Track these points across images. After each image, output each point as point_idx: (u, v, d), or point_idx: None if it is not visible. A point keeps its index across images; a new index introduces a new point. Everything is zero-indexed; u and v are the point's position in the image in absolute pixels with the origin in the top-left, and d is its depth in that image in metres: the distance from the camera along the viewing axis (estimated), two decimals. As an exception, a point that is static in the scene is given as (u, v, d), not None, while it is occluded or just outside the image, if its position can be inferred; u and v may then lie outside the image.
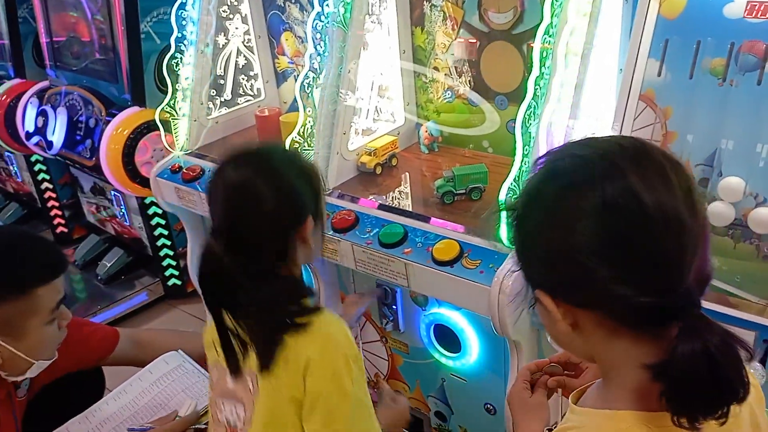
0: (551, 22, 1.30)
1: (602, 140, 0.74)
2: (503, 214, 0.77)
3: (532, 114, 1.33)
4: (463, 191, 1.65)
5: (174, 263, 3.02)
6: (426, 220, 1.57)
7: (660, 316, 0.65)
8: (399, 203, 1.71)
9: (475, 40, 1.82)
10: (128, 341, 1.67)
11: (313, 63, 1.69)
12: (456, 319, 1.60)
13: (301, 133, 1.72)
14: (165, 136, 2.15)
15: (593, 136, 0.79)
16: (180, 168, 2.09)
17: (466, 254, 1.45)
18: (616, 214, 0.65)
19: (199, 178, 2.02)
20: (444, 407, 1.81)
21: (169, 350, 1.68)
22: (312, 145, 1.74)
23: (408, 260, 1.50)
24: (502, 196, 1.34)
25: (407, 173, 1.88)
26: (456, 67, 1.89)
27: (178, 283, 3.05)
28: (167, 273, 3.03)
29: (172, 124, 2.13)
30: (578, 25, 1.29)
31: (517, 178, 1.34)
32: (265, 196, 1.10)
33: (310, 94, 1.71)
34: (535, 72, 1.31)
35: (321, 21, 1.68)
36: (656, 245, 0.64)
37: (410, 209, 1.66)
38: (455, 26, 1.84)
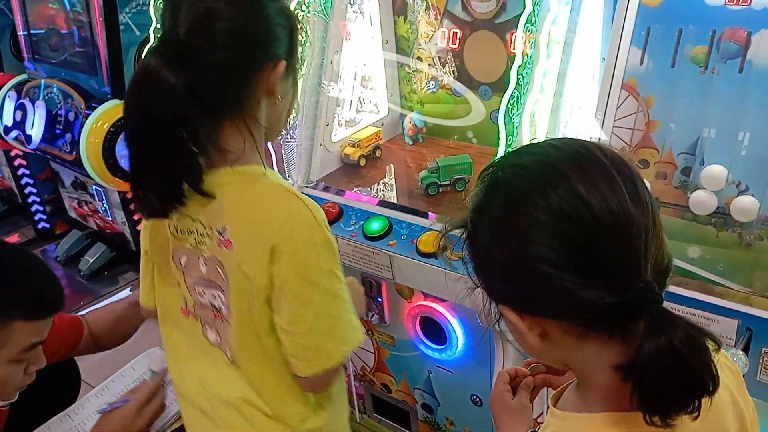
0: (533, 11, 1.29)
1: (541, 146, 0.73)
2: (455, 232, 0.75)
3: (515, 104, 1.32)
4: (448, 182, 1.64)
5: (158, 258, 2.99)
6: (411, 211, 1.56)
7: (624, 315, 0.64)
8: (384, 195, 1.70)
9: (458, 30, 1.80)
10: (87, 325, 1.61)
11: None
12: (441, 310, 1.59)
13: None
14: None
15: (532, 143, 0.78)
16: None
17: (450, 246, 1.44)
18: (565, 221, 0.64)
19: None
20: (431, 399, 1.81)
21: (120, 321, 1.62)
22: (295, 136, 1.72)
23: (393, 252, 1.49)
24: None
25: (391, 165, 1.87)
26: (439, 57, 1.87)
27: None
28: (151, 268, 3.00)
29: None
30: (560, 14, 1.28)
31: (500, 169, 1.34)
32: (228, 11, 0.93)
33: (291, 86, 1.68)
34: (518, 61, 1.30)
35: (302, 10, 1.66)
36: (610, 246, 0.64)
37: (395, 201, 1.65)
38: (438, 16, 1.83)
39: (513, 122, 1.33)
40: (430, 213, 1.55)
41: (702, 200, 1.15)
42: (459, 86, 1.87)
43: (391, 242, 1.51)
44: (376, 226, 1.54)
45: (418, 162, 1.86)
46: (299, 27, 1.04)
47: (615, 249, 0.64)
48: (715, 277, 1.14)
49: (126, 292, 3.00)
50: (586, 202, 0.64)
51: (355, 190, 1.72)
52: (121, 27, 2.54)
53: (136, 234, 2.90)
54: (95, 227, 3.17)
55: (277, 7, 1.00)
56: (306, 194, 1.10)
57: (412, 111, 1.99)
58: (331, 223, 1.60)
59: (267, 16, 0.98)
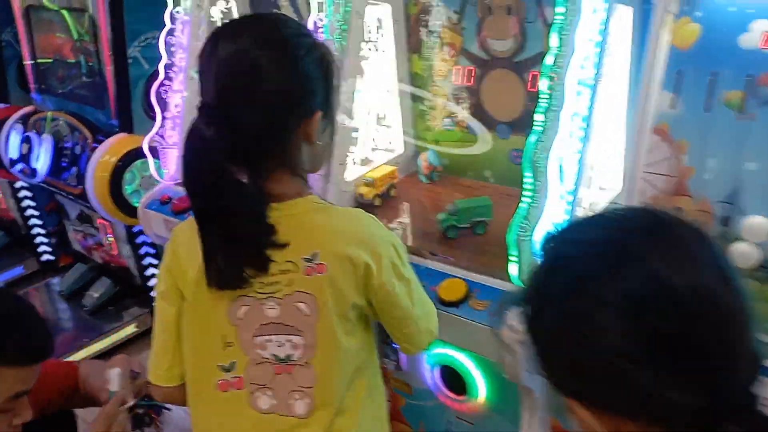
0: (559, 51, 1.24)
1: (608, 217, 0.66)
2: (515, 298, 0.68)
3: (539, 147, 1.26)
4: (467, 225, 1.59)
5: (163, 293, 2.93)
6: (430, 256, 1.50)
7: (714, 419, 0.56)
8: (402, 238, 1.64)
9: (474, 68, 1.76)
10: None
11: (309, 92, 1.63)
12: (462, 359, 1.52)
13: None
14: (153, 165, 2.07)
15: (597, 213, 0.70)
16: (169, 199, 2.01)
17: (473, 294, 1.38)
18: (642, 307, 0.56)
19: (189, 210, 1.94)
20: (449, 451, 1.74)
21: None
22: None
23: (411, 300, 1.43)
24: (510, 237, 1.28)
25: (407, 204, 1.82)
26: (455, 95, 1.83)
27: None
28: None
29: (161, 153, 2.05)
30: (586, 54, 1.23)
31: (526, 216, 1.28)
32: (266, 71, 0.93)
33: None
34: (542, 103, 1.26)
35: (317, 49, 1.62)
36: (697, 336, 0.56)
37: (411, 243, 1.59)
38: (454, 53, 1.79)
39: (538, 166, 1.27)
40: (449, 257, 1.50)
41: (743, 252, 1.10)
42: (475, 124, 1.82)
43: (409, 289, 1.45)
44: (393, 271, 1.48)
45: (434, 201, 1.81)
46: (334, 70, 1.02)
47: (703, 340, 0.56)
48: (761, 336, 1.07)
49: (131, 328, 2.94)
50: (667, 284, 0.56)
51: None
52: (130, 60, 2.51)
53: (141, 268, 2.84)
54: (100, 261, 3.11)
55: (314, 58, 0.99)
56: None
57: (427, 149, 1.94)
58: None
59: (305, 72, 0.97)
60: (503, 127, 1.77)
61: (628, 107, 1.47)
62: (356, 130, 1.77)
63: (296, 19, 2.09)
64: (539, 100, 1.25)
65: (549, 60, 1.24)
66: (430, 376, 1.66)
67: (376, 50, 1.77)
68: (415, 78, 1.89)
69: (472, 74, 1.77)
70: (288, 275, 1.00)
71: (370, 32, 1.73)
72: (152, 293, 2.91)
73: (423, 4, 1.78)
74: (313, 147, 1.02)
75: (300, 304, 1.02)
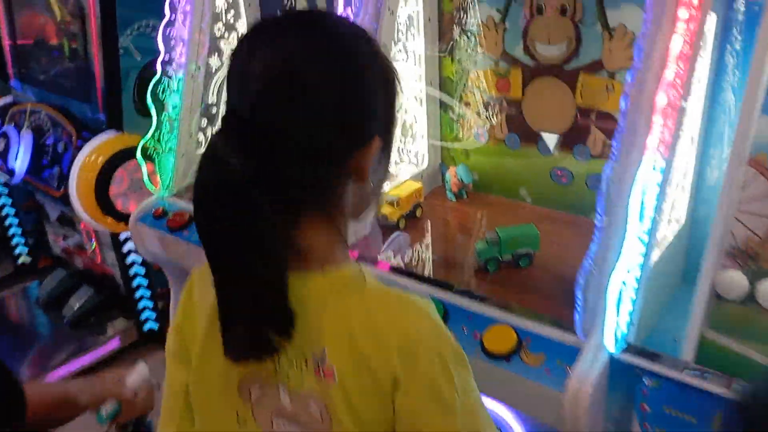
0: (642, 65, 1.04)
1: None
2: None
3: (615, 178, 1.06)
4: (510, 258, 1.39)
5: (151, 304, 2.71)
6: (472, 296, 1.30)
7: None
8: (431, 270, 1.44)
9: (517, 74, 1.56)
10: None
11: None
12: (503, 414, 1.33)
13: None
14: (148, 172, 1.84)
15: None
16: (165, 212, 1.79)
17: (524, 345, 1.18)
18: None
19: (187, 226, 1.72)
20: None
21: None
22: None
23: (450, 348, 1.23)
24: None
25: (435, 228, 1.62)
26: (492, 104, 1.63)
27: (155, 327, 2.74)
28: (143, 316, 2.71)
29: (157, 159, 1.83)
30: (676, 70, 1.03)
31: (595, 258, 1.08)
32: (317, 85, 0.69)
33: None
34: (622, 127, 1.05)
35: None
36: None
37: (446, 279, 1.39)
38: (495, 56, 1.58)
39: (613, 200, 1.07)
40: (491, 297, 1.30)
41: None
42: (514, 138, 1.62)
43: (448, 334, 1.25)
44: (428, 312, 1.28)
45: (465, 223, 1.61)
46: (398, 87, 0.77)
47: None
48: None
49: (115, 342, 2.71)
50: None
51: (394, 260, 1.46)
52: (121, 51, 2.28)
53: (127, 278, 2.62)
54: (82, 267, 2.88)
55: (377, 71, 0.74)
56: None
57: (455, 162, 1.74)
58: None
59: (366, 84, 0.73)
60: (546, 143, 1.57)
61: (702, 130, 1.29)
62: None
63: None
64: (620, 123, 1.05)
65: (631, 76, 1.03)
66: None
67: (406, 52, 1.56)
68: (446, 83, 1.68)
69: (516, 81, 1.57)
70: (297, 371, 0.76)
71: (400, 31, 1.52)
72: (140, 305, 2.71)
73: (460, 1, 1.57)
74: (364, 186, 0.77)
75: (312, 405, 0.77)
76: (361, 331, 0.73)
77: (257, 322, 0.73)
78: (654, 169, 1.04)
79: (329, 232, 0.76)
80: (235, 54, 0.74)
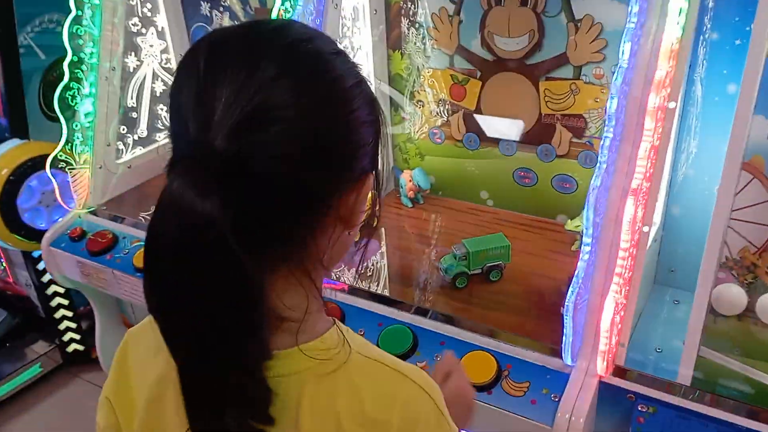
0: (627, 65, 0.93)
1: None
2: None
3: (601, 189, 0.96)
4: (479, 271, 1.27)
5: (74, 325, 2.46)
6: (445, 319, 1.18)
7: None
8: (392, 288, 1.31)
9: (474, 69, 1.44)
10: None
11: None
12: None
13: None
14: (58, 192, 1.62)
15: None
16: (83, 234, 1.58)
17: (505, 373, 1.08)
18: None
19: (110, 249, 1.52)
20: None
21: None
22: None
23: (424, 381, 1.11)
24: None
25: (393, 238, 1.48)
26: (447, 102, 1.50)
27: (80, 348, 2.49)
28: (65, 337, 2.46)
29: (70, 174, 1.61)
30: (666, 69, 0.93)
31: (582, 279, 0.98)
32: (284, 102, 0.54)
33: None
34: (610, 132, 0.95)
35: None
36: None
37: (410, 298, 1.26)
38: (449, 51, 1.45)
39: (600, 214, 0.97)
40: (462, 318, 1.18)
41: None
42: (473, 138, 1.50)
43: (420, 364, 1.12)
44: (396, 342, 1.15)
45: (425, 232, 1.49)
46: (382, 113, 0.62)
47: None
48: None
49: (35, 368, 2.45)
50: None
51: (345, 279, 1.32)
52: (22, 49, 2.02)
53: (45, 298, 2.36)
54: (-8, 287, 2.59)
55: (365, 97, 0.59)
56: None
57: (409, 165, 1.61)
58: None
59: (355, 110, 0.58)
60: (509, 143, 1.46)
61: (680, 130, 1.21)
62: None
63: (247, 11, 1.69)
64: (606, 128, 0.94)
65: (618, 78, 0.93)
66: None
67: (352, 48, 1.41)
68: (396, 80, 1.54)
69: (473, 77, 1.44)
70: None
71: (345, 26, 1.36)
72: (61, 326, 2.46)
73: (409, -9, 1.43)
74: (351, 233, 0.65)
75: None
76: (348, 417, 0.60)
77: (237, 409, 0.58)
78: (644, 177, 0.94)
79: (307, 289, 0.61)
80: (187, 71, 0.57)
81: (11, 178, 2.03)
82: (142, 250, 1.57)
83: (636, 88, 0.93)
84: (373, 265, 1.38)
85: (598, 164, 0.96)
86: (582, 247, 0.98)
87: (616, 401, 1.02)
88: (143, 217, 1.63)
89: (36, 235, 2.03)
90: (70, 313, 2.44)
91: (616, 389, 1.02)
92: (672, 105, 0.95)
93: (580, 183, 1.39)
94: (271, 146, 0.53)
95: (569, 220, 1.34)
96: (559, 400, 1.01)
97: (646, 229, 0.96)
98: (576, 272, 0.98)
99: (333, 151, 0.57)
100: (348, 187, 0.59)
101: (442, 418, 0.63)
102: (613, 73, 0.93)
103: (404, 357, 1.14)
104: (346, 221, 0.61)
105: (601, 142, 0.95)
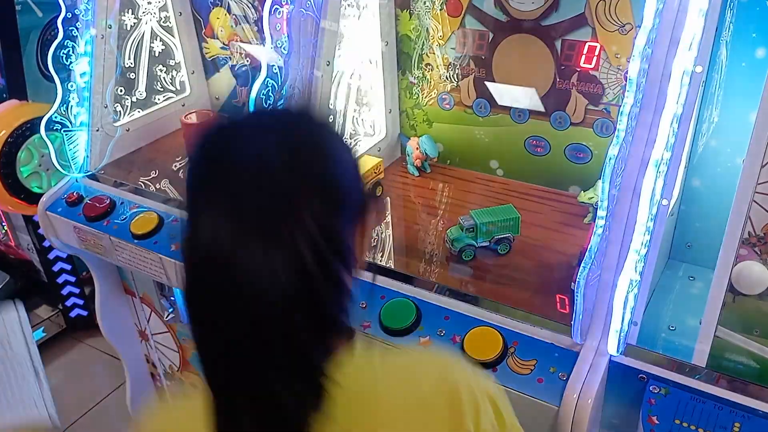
0: (654, 25, 0.87)
1: None
2: None
3: (620, 161, 0.90)
4: (487, 243, 1.22)
5: (76, 290, 2.45)
6: (450, 293, 1.13)
7: None
8: (396, 260, 1.26)
9: (486, 31, 1.36)
10: None
11: (273, 66, 1.19)
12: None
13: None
14: (54, 154, 1.57)
15: None
16: (80, 198, 1.54)
17: (512, 350, 1.03)
18: None
19: (108, 214, 1.48)
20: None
21: None
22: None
23: (427, 356, 1.07)
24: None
25: (398, 208, 1.43)
26: (457, 65, 1.43)
27: (83, 313, 2.48)
28: (69, 302, 2.45)
29: (66, 137, 1.56)
30: (694, 32, 0.86)
31: (596, 253, 0.92)
32: (337, 176, 0.62)
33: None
34: (630, 99, 0.88)
35: (282, 7, 1.18)
36: None
37: (415, 270, 1.22)
38: (458, 11, 1.38)
39: (618, 188, 0.91)
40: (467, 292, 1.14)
41: None
42: (483, 104, 1.44)
43: (423, 340, 1.08)
44: (399, 316, 1.11)
45: (431, 202, 1.43)
46: None
47: None
48: None
49: (39, 333, 2.44)
50: None
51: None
52: (18, 6, 1.96)
53: (47, 263, 2.34)
54: (-6, 251, 2.57)
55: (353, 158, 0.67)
56: None
57: (416, 131, 1.55)
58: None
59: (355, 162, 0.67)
60: (521, 109, 1.39)
61: (702, 97, 1.14)
62: (334, 112, 1.35)
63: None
64: (626, 94, 0.88)
65: (641, 39, 0.86)
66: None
67: (358, 7, 1.34)
68: (404, 42, 1.47)
69: (483, 39, 1.37)
70: None
71: (350, -18, 1.29)
72: (63, 291, 2.44)
73: (418, -55, 1.35)
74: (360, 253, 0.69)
75: None
76: (411, 404, 0.64)
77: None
78: (666, 148, 0.88)
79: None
80: (219, 147, 0.61)
81: (9, 140, 1.99)
82: (141, 216, 1.51)
83: (660, 50, 0.86)
84: (376, 235, 1.33)
85: (616, 133, 0.89)
86: (596, 221, 0.92)
87: (627, 382, 0.98)
88: (142, 182, 1.59)
89: (36, 199, 2.00)
90: (72, 278, 2.42)
91: (626, 369, 0.98)
92: (698, 69, 0.88)
93: (595, 153, 1.33)
94: (321, 206, 0.59)
95: (582, 192, 1.28)
96: (567, 379, 0.97)
97: (665, 202, 0.91)
98: (589, 247, 0.93)
99: (354, 190, 0.64)
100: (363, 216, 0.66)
101: (480, 373, 0.70)
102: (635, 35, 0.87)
103: (407, 331, 1.10)
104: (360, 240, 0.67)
105: (620, 109, 0.89)
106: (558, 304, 1.09)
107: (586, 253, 0.93)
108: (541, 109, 1.36)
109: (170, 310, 1.64)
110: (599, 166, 1.30)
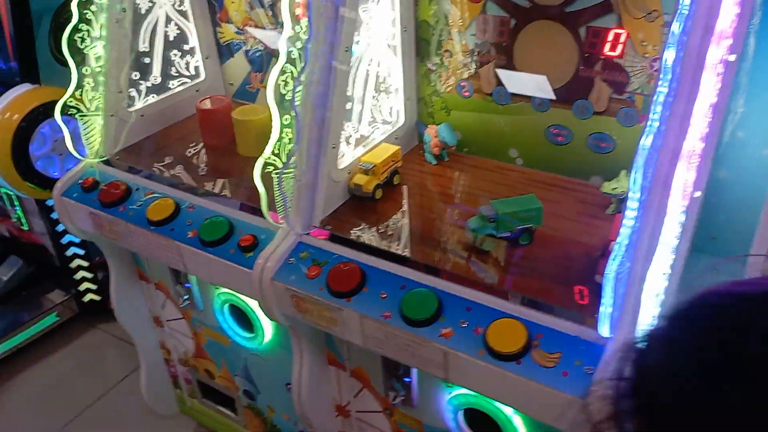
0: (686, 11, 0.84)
1: None
2: None
3: (653, 151, 0.88)
4: (508, 234, 1.21)
5: (90, 275, 2.45)
6: (473, 284, 1.12)
7: None
8: (415, 250, 1.25)
9: (508, 17, 1.34)
10: None
11: (291, 51, 1.17)
12: (505, 411, 1.18)
13: (277, 151, 1.20)
14: (70, 138, 1.56)
15: None
16: (96, 184, 1.53)
17: (536, 342, 1.02)
18: None
19: (124, 200, 1.47)
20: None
21: None
22: (293, 167, 1.23)
23: (449, 348, 1.06)
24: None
25: (416, 197, 1.41)
26: (478, 53, 1.41)
27: (97, 298, 2.49)
28: (81, 287, 2.45)
29: (81, 122, 1.55)
30: (730, 18, 0.84)
31: (627, 247, 0.91)
32: None
33: (287, 96, 1.19)
34: (664, 87, 0.86)
35: (303, -9, 1.15)
36: None
37: (433, 260, 1.20)
38: (480, -4, 1.35)
39: (650, 178, 0.89)
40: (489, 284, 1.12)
41: None
42: (503, 92, 1.41)
43: (444, 330, 1.07)
44: (420, 306, 1.10)
45: (449, 191, 1.42)
46: None
47: None
48: None
49: (52, 317, 2.45)
50: None
51: (366, 239, 1.26)
52: (31, -11, 1.94)
53: (60, 248, 2.34)
54: (7, 235, 2.57)
55: None
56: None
57: (434, 119, 1.53)
58: (350, 294, 1.16)
59: None
60: (542, 98, 1.37)
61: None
62: (352, 99, 1.33)
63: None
64: (660, 82, 0.86)
65: (676, 26, 0.84)
66: (452, 417, 1.31)
67: (378, -8, 1.32)
68: (423, 28, 1.45)
69: (504, 26, 1.35)
70: None
71: (372, -33, 1.27)
72: (77, 275, 2.44)
73: (440, -72, 1.32)
74: None
75: None
76: None
77: None
78: (700, 139, 0.86)
79: None
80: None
81: (23, 124, 1.98)
82: (157, 202, 1.48)
83: (695, 37, 0.84)
84: (394, 224, 1.32)
85: (648, 122, 0.87)
86: (626, 212, 0.91)
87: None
88: (157, 168, 1.58)
89: (49, 183, 1.99)
90: (85, 263, 2.42)
91: (653, 363, 0.97)
92: (732, 58, 0.86)
93: (618, 142, 1.31)
94: None
95: (605, 182, 1.26)
96: (593, 373, 0.96)
97: (698, 194, 0.89)
98: (619, 239, 0.91)
99: None
100: None
101: None
102: (665, 23, 0.85)
103: (428, 322, 1.09)
104: None
105: (654, 98, 0.87)
106: (579, 296, 1.08)
107: (616, 245, 0.91)
108: (552, 96, 1.33)
109: (185, 297, 1.64)
110: (622, 157, 1.29)
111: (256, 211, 1.29)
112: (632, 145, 0.91)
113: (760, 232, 0.89)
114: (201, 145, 1.66)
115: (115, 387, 2.26)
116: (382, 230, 1.30)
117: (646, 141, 0.86)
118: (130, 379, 2.26)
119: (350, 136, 1.37)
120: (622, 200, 1.20)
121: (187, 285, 1.63)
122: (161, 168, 1.58)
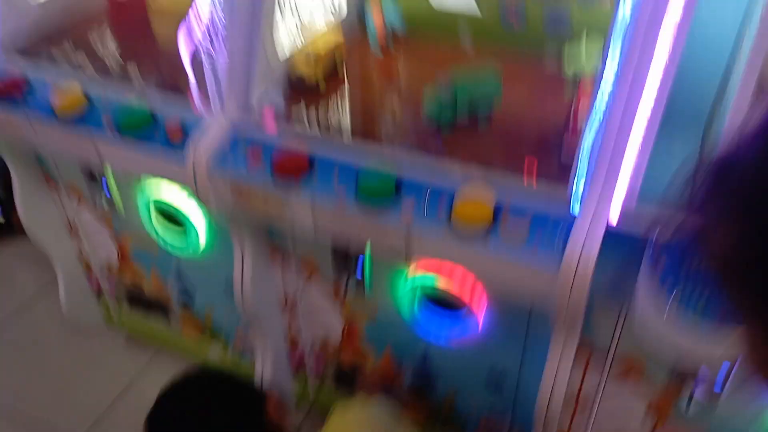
0: None
1: None
2: None
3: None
4: (466, 113, 1.13)
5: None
6: (433, 156, 1.03)
7: None
8: (366, 132, 1.15)
9: None
10: None
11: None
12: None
13: (209, 37, 1.06)
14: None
15: None
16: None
17: (504, 216, 0.96)
18: None
19: (24, 93, 1.28)
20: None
21: None
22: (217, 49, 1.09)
23: (411, 227, 0.99)
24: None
25: (364, 87, 1.31)
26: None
27: (1, 220, 2.24)
28: (-19, 208, 2.20)
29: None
30: None
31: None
32: None
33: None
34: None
35: None
36: None
37: (392, 142, 1.11)
38: None
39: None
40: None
41: None
42: (454, -32, 1.31)
43: (405, 210, 0.99)
44: (378, 187, 1.01)
45: (393, 80, 1.32)
46: None
47: None
48: None
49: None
50: None
51: (316, 125, 1.16)
52: None
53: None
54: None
55: None
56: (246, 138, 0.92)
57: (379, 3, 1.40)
58: (296, 177, 1.05)
59: None
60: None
61: None
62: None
63: None
64: None
65: None
66: (407, 302, 1.26)
67: None
68: None
69: None
70: None
71: None
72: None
73: None
74: None
75: None
76: None
77: None
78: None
79: None
80: None
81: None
82: (64, 95, 1.24)
83: None
84: (339, 111, 1.21)
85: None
86: (600, 84, 0.84)
87: (624, 247, 0.93)
88: (61, 56, 1.38)
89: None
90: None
91: (624, 237, 0.93)
92: None
93: (576, 20, 1.24)
94: None
95: (566, 58, 1.20)
96: (565, 246, 0.91)
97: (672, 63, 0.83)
98: (592, 110, 0.85)
99: None
100: None
101: None
102: None
103: (387, 203, 1.00)
104: None
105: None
106: (551, 171, 1.02)
107: (588, 117, 0.85)
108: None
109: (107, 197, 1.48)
110: (581, 34, 1.23)
111: (181, 97, 1.15)
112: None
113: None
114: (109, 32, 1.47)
115: (29, 303, 2.05)
116: (328, 117, 1.19)
117: (623, 11, 0.79)
118: (46, 295, 2.04)
119: (291, 23, 1.23)
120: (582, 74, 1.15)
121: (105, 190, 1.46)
122: (67, 57, 1.38)
